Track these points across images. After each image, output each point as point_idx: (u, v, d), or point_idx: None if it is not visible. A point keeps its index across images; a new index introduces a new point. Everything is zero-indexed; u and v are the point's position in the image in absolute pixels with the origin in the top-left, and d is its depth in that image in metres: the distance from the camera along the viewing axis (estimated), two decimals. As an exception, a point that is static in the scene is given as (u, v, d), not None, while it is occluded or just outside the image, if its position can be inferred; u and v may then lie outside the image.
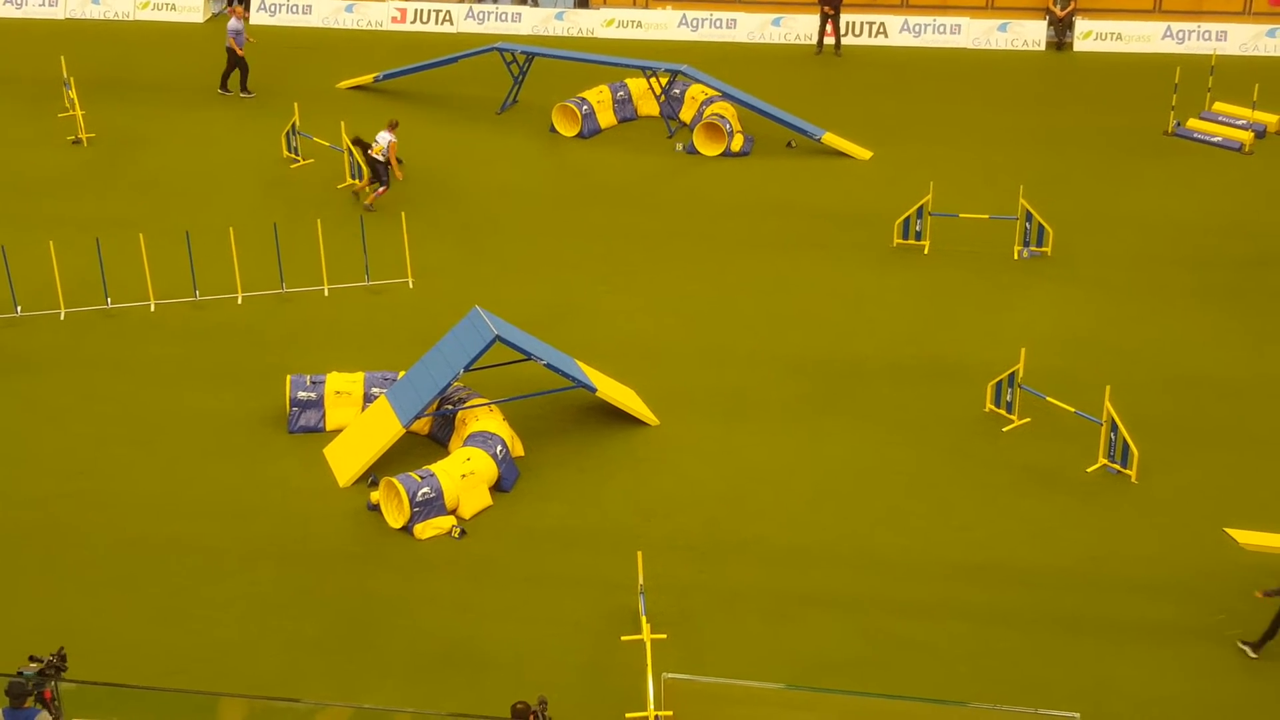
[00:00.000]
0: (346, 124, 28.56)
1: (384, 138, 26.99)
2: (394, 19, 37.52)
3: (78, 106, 30.39)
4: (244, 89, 32.93)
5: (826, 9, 35.18)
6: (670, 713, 15.40)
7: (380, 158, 26.92)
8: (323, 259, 24.52)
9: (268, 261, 24.69)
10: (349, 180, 28.17)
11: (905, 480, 19.80)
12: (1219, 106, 30.69)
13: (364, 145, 27.00)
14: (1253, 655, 16.53)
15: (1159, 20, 35.38)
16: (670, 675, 15.36)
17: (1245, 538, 16.71)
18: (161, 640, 17.20)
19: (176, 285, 24.43)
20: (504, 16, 37.29)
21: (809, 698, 15.64)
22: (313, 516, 19.28)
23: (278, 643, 17.17)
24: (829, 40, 35.52)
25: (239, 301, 24.32)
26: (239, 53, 32.62)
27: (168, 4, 38.13)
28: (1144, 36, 35.12)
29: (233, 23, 32.82)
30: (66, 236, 25.17)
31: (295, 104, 29.50)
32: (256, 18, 37.89)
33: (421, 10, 37.57)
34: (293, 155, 29.41)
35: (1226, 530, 17.99)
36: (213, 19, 38.35)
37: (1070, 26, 35.48)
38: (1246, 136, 29.53)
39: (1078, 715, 14.65)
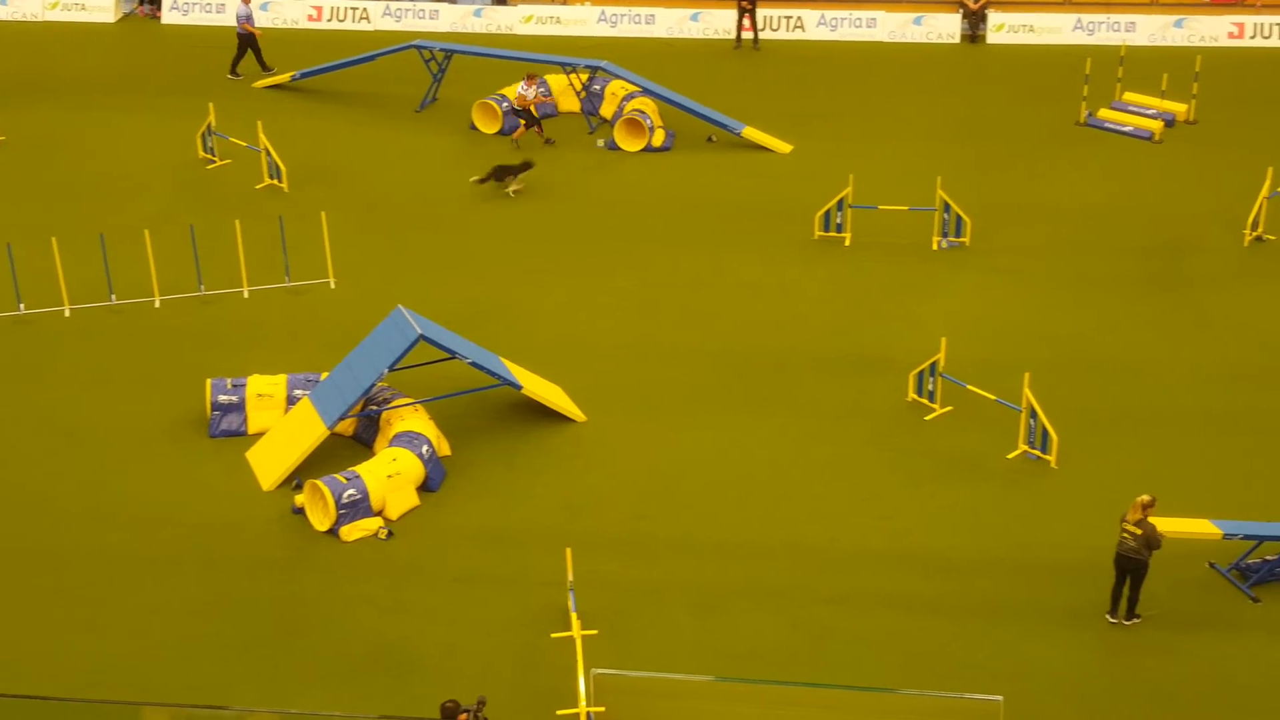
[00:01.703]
0: (264, 123, 28.32)
1: (520, 88, 29.17)
2: (310, 17, 37.22)
3: (-13, 109, 29.94)
4: (234, 71, 33.32)
5: (744, 3, 35.36)
6: (602, 708, 15.44)
7: (519, 106, 29.32)
8: (242, 260, 24.29)
9: (185, 264, 24.42)
10: (268, 180, 27.94)
11: (830, 471, 19.97)
12: (1129, 96, 31.19)
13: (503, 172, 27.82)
14: (1134, 620, 17.10)
15: (1069, 12, 35.91)
16: (600, 671, 15.41)
17: (1161, 525, 17.06)
18: (83, 650, 16.98)
19: (92, 289, 24.11)
20: (421, 14, 37.09)
21: (739, 689, 15.75)
22: (236, 521, 19.11)
23: (203, 649, 17.00)
24: (747, 35, 35.70)
25: (156, 305, 24.04)
26: (255, 32, 33.17)
27: (77, 4, 37.56)
28: (1054, 28, 35.63)
29: (240, 7, 33.03)
30: (-22, 242, 24.77)
31: (210, 104, 29.19)
32: (169, 17, 37.48)
33: (338, 8, 37.29)
34: (209, 156, 29.11)
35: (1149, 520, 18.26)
36: (124, 19, 37.83)
37: (983, 19, 35.90)
38: (1156, 125, 30.03)
39: (1000, 699, 14.87)
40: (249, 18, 33.14)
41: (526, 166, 27.78)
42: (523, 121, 29.90)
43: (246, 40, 33.27)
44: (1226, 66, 32.97)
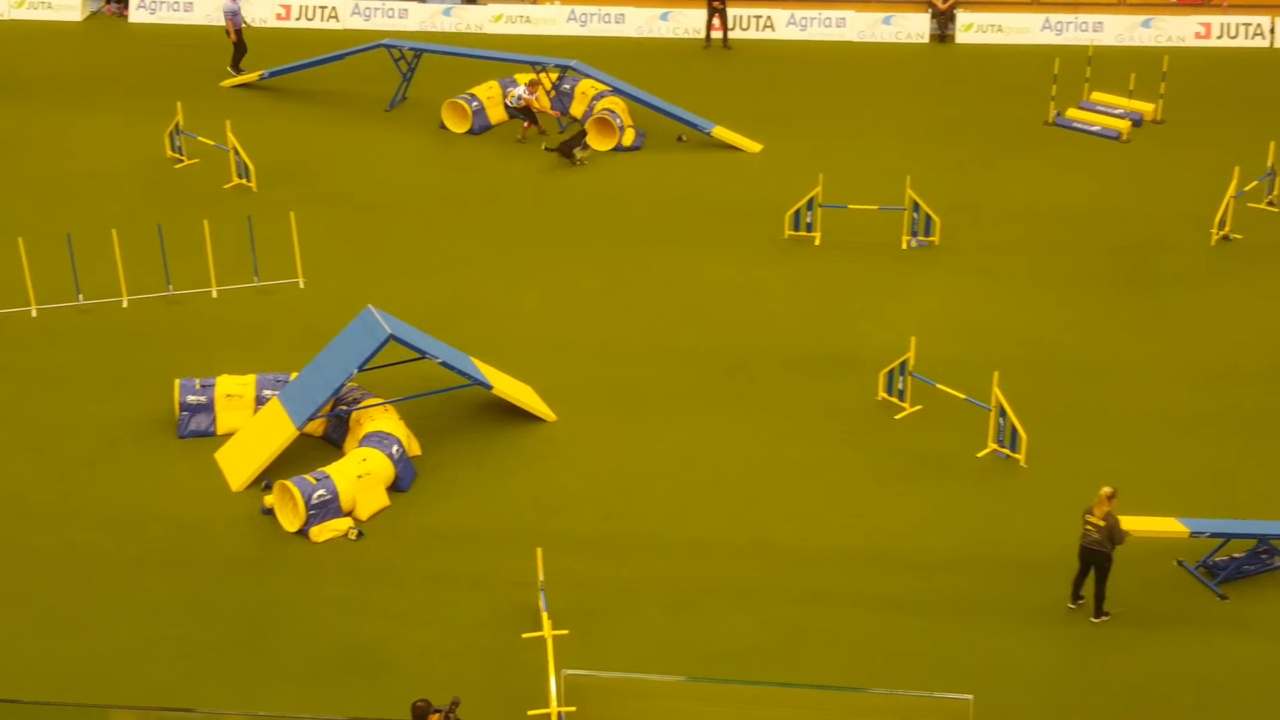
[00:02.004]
0: (232, 123, 28.19)
1: (522, 91, 29.90)
2: (278, 16, 37.03)
3: (-48, 108, 29.70)
4: (234, 67, 33.25)
5: (715, 3, 35.38)
6: (573, 709, 15.43)
7: (513, 103, 30.07)
8: (210, 260, 24.18)
9: (153, 264, 24.29)
10: (236, 180, 27.84)
11: (800, 470, 20.01)
12: (1097, 96, 31.34)
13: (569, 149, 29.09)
14: (1102, 618, 17.21)
15: (1037, 12, 36.06)
16: (570, 671, 15.39)
17: (1126, 524, 17.18)
18: (51, 652, 16.87)
19: (59, 289, 23.95)
20: (390, 13, 36.98)
21: (710, 689, 15.77)
22: (205, 522, 19.02)
23: (172, 651, 16.92)
24: (716, 34, 35.73)
25: (124, 305, 23.90)
26: (231, 37, 32.90)
27: (43, 2, 37.30)
28: (1023, 28, 35.78)
29: (227, 4, 32.83)
30: (-57, 242, 24.57)
31: (178, 103, 29.03)
32: (136, 16, 37.26)
33: (306, 6, 37.14)
34: (177, 155, 28.96)
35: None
36: (90, 17, 37.59)
37: (952, 19, 36.02)
38: (1124, 125, 30.18)
39: (970, 697, 14.92)
40: (234, 15, 32.93)
41: (582, 135, 28.84)
42: (525, 122, 30.25)
43: (237, 37, 33.14)
44: (1194, 66, 33.18)
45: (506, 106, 30.47)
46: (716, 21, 35.59)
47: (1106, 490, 16.94)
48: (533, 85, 30.00)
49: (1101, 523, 16.87)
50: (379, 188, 28.21)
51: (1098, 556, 16.98)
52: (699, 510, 19.25)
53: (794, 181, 27.31)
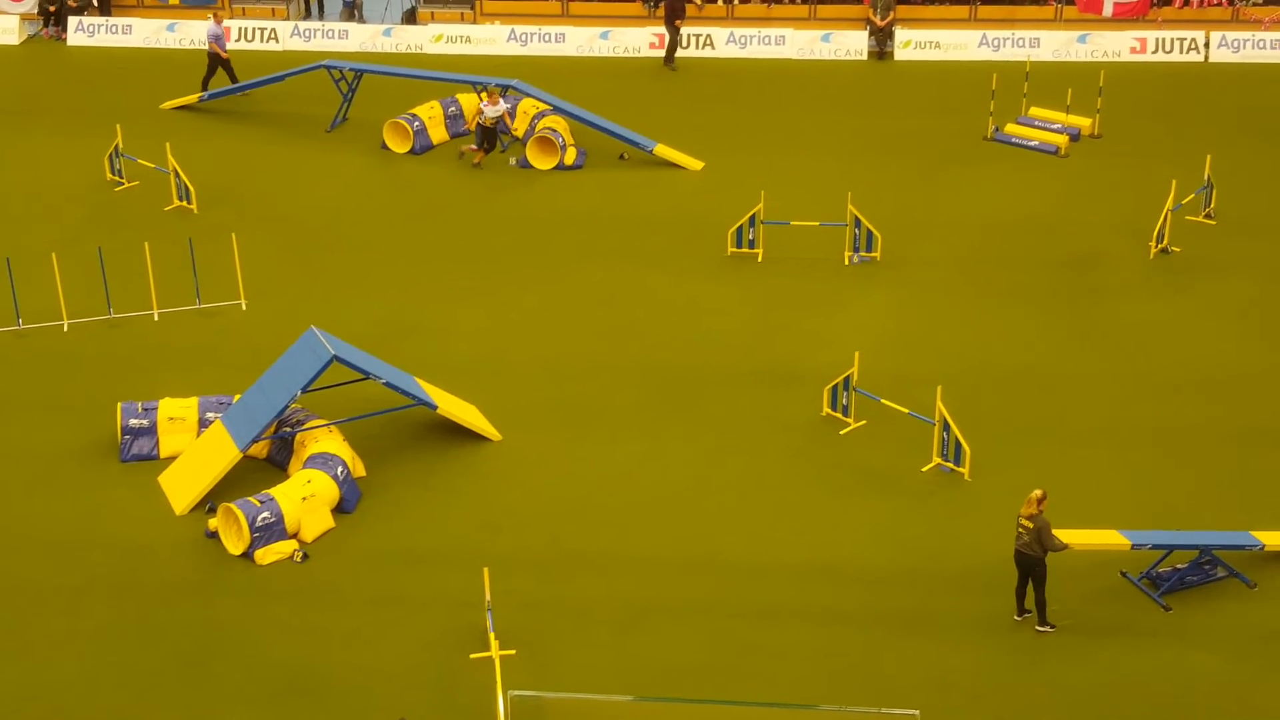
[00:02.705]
0: (172, 145, 28.00)
1: (483, 106, 29.53)
2: (218, 37, 36.81)
3: (-115, 131, 29.33)
4: (204, 87, 33.04)
5: (677, 21, 35.35)
6: (521, 729, 15.40)
7: (483, 123, 29.65)
8: (151, 282, 23.99)
9: (94, 287, 24.07)
10: (177, 202, 27.64)
11: (747, 486, 20.07)
12: (1035, 111, 31.68)
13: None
14: (1046, 629, 17.34)
15: (974, 29, 36.40)
16: (518, 692, 15.36)
17: (1068, 537, 17.35)
18: (-8, 682, 16.68)
19: (-3, 314, 23.73)
20: (330, 34, 36.87)
21: (659, 708, 15.76)
22: (149, 546, 18.85)
23: (116, 678, 16.74)
24: (660, 51, 35.76)
25: (65, 329, 23.67)
26: (223, 55, 32.85)
27: (-21, 24, 36.92)
28: (961, 45, 36.09)
29: (211, 27, 32.73)
30: (-123, 267, 24.25)
31: (118, 126, 28.81)
32: (74, 39, 36.95)
33: (246, 28, 36.96)
34: (117, 178, 28.73)
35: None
36: (28, 40, 37.26)
37: (890, 36, 36.31)
38: (1062, 140, 30.52)
39: (917, 712, 15.00)
40: (218, 38, 32.74)
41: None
42: (471, 146, 30.13)
43: (215, 59, 32.87)
44: (1129, 81, 33.62)
45: (479, 128, 29.78)
46: (656, 40, 35.60)
47: (1037, 493, 17.13)
48: (492, 96, 29.68)
49: (1030, 524, 17.04)
50: (321, 208, 28.10)
51: (1030, 560, 17.14)
52: (646, 527, 19.26)
53: (736, 198, 27.44)
